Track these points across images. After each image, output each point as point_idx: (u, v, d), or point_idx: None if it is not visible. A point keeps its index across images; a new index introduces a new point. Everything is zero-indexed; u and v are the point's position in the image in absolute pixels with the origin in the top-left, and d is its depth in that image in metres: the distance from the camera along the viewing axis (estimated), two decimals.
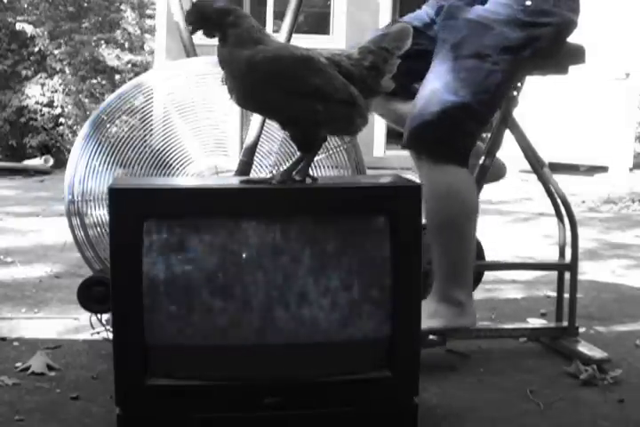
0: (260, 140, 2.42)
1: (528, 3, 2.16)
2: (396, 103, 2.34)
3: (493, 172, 2.43)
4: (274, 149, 2.45)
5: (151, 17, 8.94)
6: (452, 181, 2.18)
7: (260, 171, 2.43)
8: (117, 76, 8.51)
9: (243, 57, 1.70)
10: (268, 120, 2.31)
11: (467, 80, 2.14)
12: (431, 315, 2.17)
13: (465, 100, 2.13)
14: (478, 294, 2.78)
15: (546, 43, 2.20)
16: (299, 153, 1.82)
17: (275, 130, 2.44)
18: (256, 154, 2.41)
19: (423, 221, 2.03)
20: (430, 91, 2.16)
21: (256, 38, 1.73)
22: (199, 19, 1.75)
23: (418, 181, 2.06)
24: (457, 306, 2.21)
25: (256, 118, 2.33)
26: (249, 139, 2.31)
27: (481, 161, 2.40)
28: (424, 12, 2.36)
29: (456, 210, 2.19)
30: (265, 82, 1.71)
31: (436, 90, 2.15)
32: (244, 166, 2.32)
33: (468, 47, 2.16)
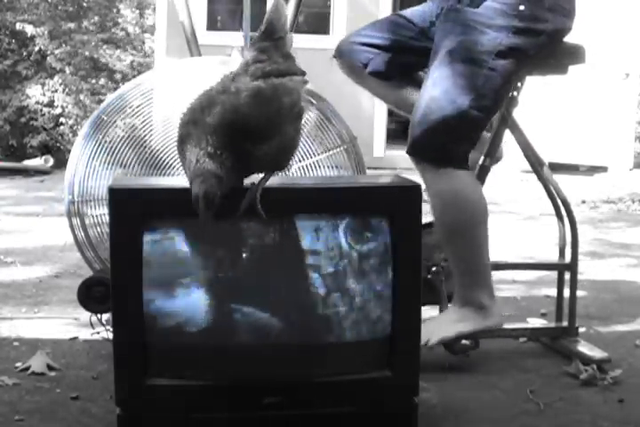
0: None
1: (522, 8, 2.16)
2: (406, 92, 2.39)
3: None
4: None
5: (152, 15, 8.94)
6: (457, 187, 2.19)
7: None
8: (118, 76, 8.50)
9: None
10: None
11: (464, 87, 2.15)
12: (458, 320, 2.23)
13: (463, 107, 2.15)
14: None
15: (540, 47, 2.21)
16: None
17: None
18: None
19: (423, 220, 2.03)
20: (429, 98, 2.18)
21: None
22: None
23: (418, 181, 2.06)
24: (481, 308, 2.24)
25: None
26: None
27: (481, 161, 2.40)
28: (429, 11, 2.36)
29: (466, 215, 2.21)
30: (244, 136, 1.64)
31: (435, 98, 2.17)
32: None
33: (464, 53, 2.17)
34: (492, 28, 2.16)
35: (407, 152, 2.23)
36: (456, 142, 2.19)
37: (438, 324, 2.26)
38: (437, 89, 2.17)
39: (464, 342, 2.30)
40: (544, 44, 2.22)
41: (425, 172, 2.20)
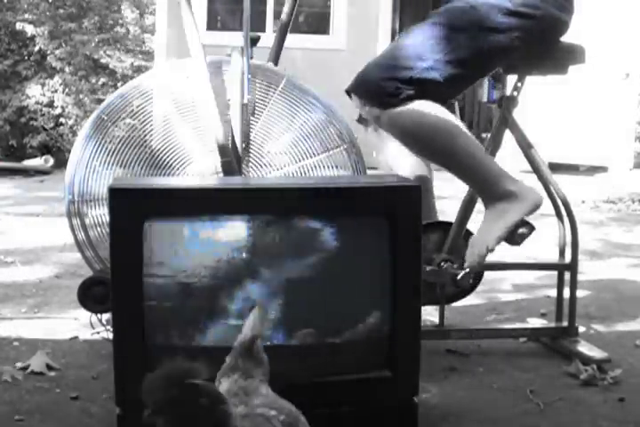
0: (259, 139, 2.43)
1: None
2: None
3: None
4: (273, 149, 2.45)
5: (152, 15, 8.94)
6: (413, 114, 2.16)
7: (260, 171, 2.43)
8: (118, 76, 8.50)
9: None
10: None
11: (437, 46, 2.15)
12: (500, 216, 2.19)
13: (425, 64, 2.14)
14: (478, 293, 2.78)
15: (526, 34, 2.21)
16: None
17: (274, 129, 2.44)
18: (254, 154, 2.41)
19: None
20: (398, 45, 2.21)
21: None
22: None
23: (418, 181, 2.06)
24: (512, 195, 2.20)
25: (213, 117, 2.31)
26: (218, 139, 2.30)
27: None
28: None
29: (441, 135, 2.17)
30: None
31: (404, 46, 2.18)
32: (228, 166, 2.31)
33: (449, 17, 2.19)
34: (485, 6, 2.18)
35: (350, 90, 2.20)
36: (404, 90, 2.14)
37: (486, 228, 2.22)
38: (410, 40, 2.19)
39: (520, 231, 2.25)
40: (532, 29, 2.21)
41: (373, 113, 2.18)
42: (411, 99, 2.14)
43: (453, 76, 2.17)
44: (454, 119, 2.19)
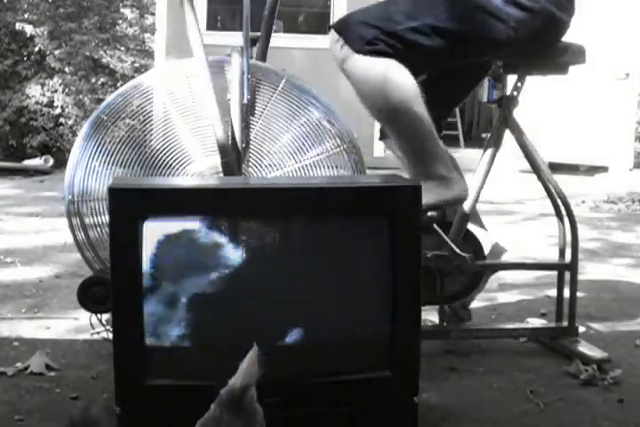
0: (259, 139, 2.43)
1: None
2: None
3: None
4: (273, 149, 2.45)
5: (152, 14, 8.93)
6: (382, 69, 2.16)
7: (260, 171, 2.43)
8: (118, 76, 8.50)
9: None
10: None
11: (429, 10, 2.15)
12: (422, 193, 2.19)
13: (414, 24, 2.14)
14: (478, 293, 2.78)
15: (521, 26, 2.21)
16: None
17: (274, 129, 2.44)
18: (254, 154, 2.41)
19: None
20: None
21: None
22: None
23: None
24: (442, 180, 2.20)
25: (213, 117, 2.31)
26: (218, 139, 2.30)
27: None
28: None
29: (396, 96, 2.17)
30: None
31: (395, 1, 2.19)
32: (228, 166, 2.31)
33: None
34: None
35: (333, 26, 2.21)
36: (389, 47, 2.16)
37: None
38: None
39: (430, 213, 2.23)
40: (528, 23, 2.21)
41: (345, 55, 2.18)
42: (384, 54, 2.14)
43: (435, 47, 2.17)
44: (417, 88, 2.18)
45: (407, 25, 2.13)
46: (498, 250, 2.49)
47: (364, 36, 2.15)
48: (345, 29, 2.19)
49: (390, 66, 2.16)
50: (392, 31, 2.14)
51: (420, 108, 2.18)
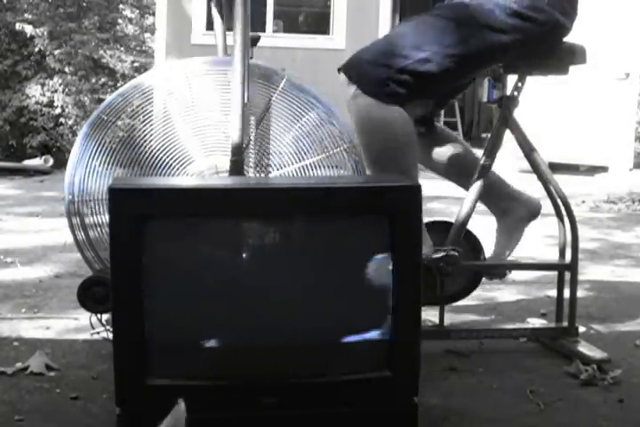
0: (258, 139, 2.43)
1: None
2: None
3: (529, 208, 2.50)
4: (273, 149, 2.45)
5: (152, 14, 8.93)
6: (384, 113, 2.17)
7: (260, 171, 2.43)
8: (118, 76, 8.50)
9: None
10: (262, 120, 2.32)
11: (435, 37, 2.15)
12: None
13: (422, 55, 2.14)
14: (478, 294, 2.78)
15: (527, 37, 2.21)
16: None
17: (274, 129, 2.44)
18: (255, 153, 2.41)
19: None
20: (399, 33, 2.22)
21: None
22: None
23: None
24: None
25: (235, 116, 2.30)
26: (233, 137, 2.30)
27: (482, 161, 2.41)
28: None
29: (391, 142, 2.20)
30: None
31: (404, 34, 2.19)
32: (236, 165, 2.31)
33: (452, 11, 2.19)
34: (491, 4, 2.18)
35: (342, 69, 2.21)
36: (401, 84, 2.16)
37: None
38: (410, 28, 2.19)
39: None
40: (533, 32, 2.21)
41: (353, 95, 2.20)
42: (394, 95, 2.14)
43: (448, 70, 2.17)
44: (414, 141, 2.22)
45: (416, 57, 2.13)
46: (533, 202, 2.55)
47: (374, 77, 2.16)
48: (354, 71, 2.19)
49: (394, 114, 2.18)
50: (402, 67, 2.14)
51: (409, 159, 2.21)
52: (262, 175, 2.42)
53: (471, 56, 2.19)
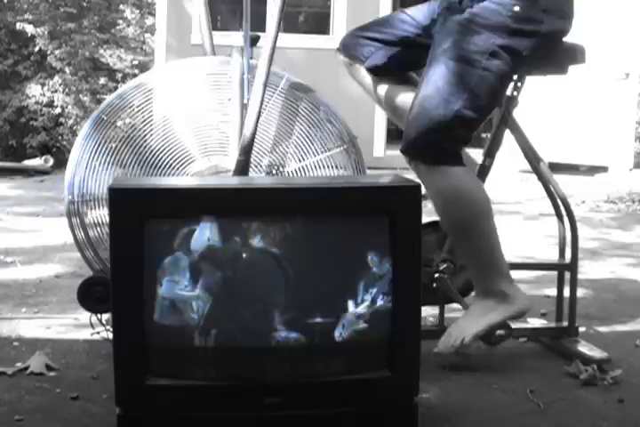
0: (259, 139, 2.43)
1: (517, 9, 2.15)
2: (398, 90, 2.39)
3: None
4: (273, 149, 2.45)
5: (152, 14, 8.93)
6: (455, 183, 2.20)
7: (261, 171, 2.43)
8: (118, 76, 8.50)
9: None
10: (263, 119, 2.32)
11: (457, 86, 2.15)
12: (484, 313, 2.25)
13: (455, 106, 2.15)
14: None
15: (534, 48, 2.21)
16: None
17: (273, 129, 2.44)
18: (255, 154, 2.41)
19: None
20: (423, 96, 2.18)
21: None
22: None
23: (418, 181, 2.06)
24: (504, 297, 2.26)
25: (251, 115, 2.31)
26: (244, 137, 2.30)
27: (480, 161, 2.41)
28: (431, 9, 2.35)
29: (467, 210, 2.21)
30: None
31: (428, 96, 2.17)
32: (242, 165, 2.32)
33: (458, 52, 2.17)
34: (486, 29, 2.16)
35: (401, 150, 2.23)
36: (448, 141, 2.19)
37: (467, 321, 2.27)
38: (431, 87, 2.17)
39: (498, 332, 2.32)
40: (538, 46, 2.21)
41: (419, 170, 2.21)
42: (454, 155, 2.17)
43: (484, 107, 2.21)
44: (488, 200, 2.24)
45: (452, 112, 2.14)
46: None
47: (428, 147, 2.17)
48: (411, 152, 2.20)
49: (462, 177, 2.20)
50: (446, 126, 2.15)
51: (489, 222, 2.23)
52: (262, 175, 2.42)
53: (495, 87, 2.20)
